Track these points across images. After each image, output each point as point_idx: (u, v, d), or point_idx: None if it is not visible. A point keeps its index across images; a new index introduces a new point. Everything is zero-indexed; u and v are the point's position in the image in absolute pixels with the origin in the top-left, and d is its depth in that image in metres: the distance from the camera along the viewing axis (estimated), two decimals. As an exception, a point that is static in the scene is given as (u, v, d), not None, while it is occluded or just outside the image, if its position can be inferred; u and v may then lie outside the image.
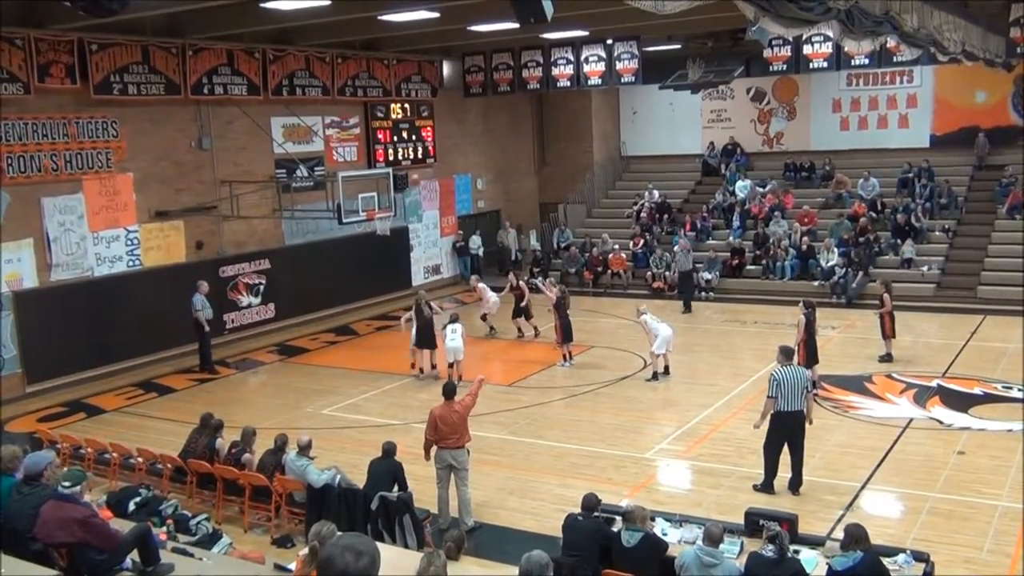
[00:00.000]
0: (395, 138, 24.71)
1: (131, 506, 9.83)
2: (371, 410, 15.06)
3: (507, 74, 24.60)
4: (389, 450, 10.06)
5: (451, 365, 16.23)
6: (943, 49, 15.84)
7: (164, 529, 8.76)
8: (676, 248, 23.58)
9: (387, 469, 9.84)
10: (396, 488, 9.70)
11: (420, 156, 25.54)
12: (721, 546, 7.57)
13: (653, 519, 8.46)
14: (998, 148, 25.29)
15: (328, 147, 22.86)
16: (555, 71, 23.67)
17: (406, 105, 24.89)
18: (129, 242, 18.55)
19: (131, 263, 18.60)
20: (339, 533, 5.24)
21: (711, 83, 23.96)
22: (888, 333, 16.89)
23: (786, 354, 11.26)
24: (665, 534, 8.20)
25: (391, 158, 24.37)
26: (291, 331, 21.00)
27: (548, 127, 30.54)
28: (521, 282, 20.22)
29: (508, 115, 29.04)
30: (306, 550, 6.14)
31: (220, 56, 19.36)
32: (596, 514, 8.46)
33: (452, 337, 16.24)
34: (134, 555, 7.23)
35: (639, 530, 7.88)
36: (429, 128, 25.79)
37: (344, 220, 18.86)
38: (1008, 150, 25.15)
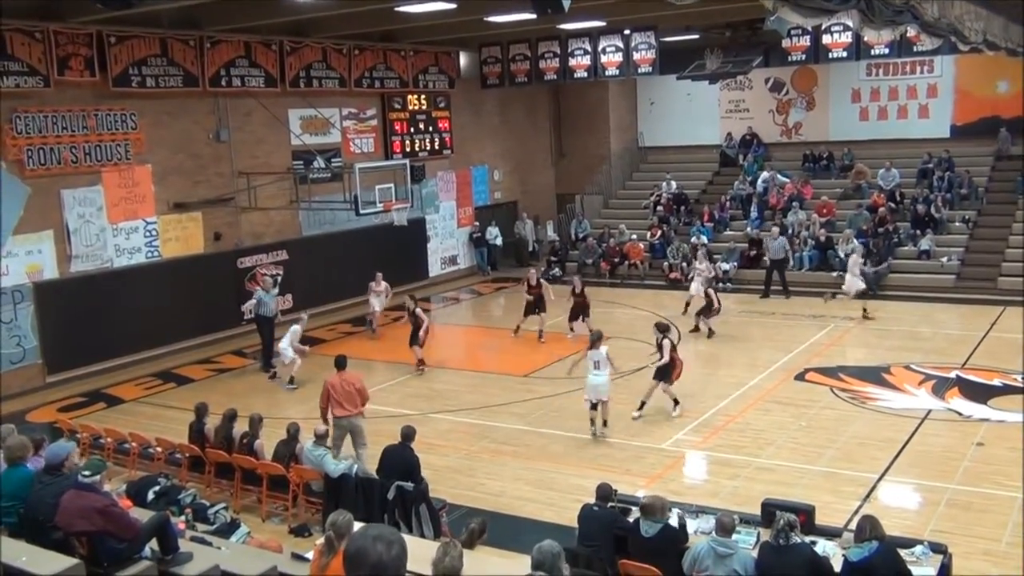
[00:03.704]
0: (412, 129, 24.73)
1: (150, 495, 9.91)
2: (388, 400, 15.11)
3: (524, 65, 24.56)
4: (408, 434, 10.06)
5: (593, 406, 12.98)
6: (964, 39, 15.69)
7: (183, 518, 8.82)
8: (768, 238, 23.22)
9: (401, 459, 9.85)
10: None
11: (437, 147, 25.56)
12: (735, 536, 7.56)
13: (670, 509, 8.45)
14: (1020, 139, 25.03)
15: (345, 138, 22.91)
16: (572, 62, 23.60)
17: (423, 96, 24.91)
18: (148, 234, 18.68)
19: (150, 254, 18.72)
20: (359, 524, 5.26)
21: (729, 73, 23.85)
22: None
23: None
24: (682, 525, 8.19)
25: (408, 149, 24.41)
26: (308, 322, 21.05)
27: (565, 118, 30.48)
28: (543, 280, 19.62)
29: (525, 106, 29.00)
30: (323, 539, 6.18)
31: (238, 48, 19.44)
32: (611, 504, 8.47)
33: (596, 372, 12.84)
34: (153, 544, 7.29)
35: (659, 521, 7.87)
36: (446, 119, 25.80)
37: (361, 211, 18.90)
38: (1030, 141, 24.92)
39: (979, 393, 14.28)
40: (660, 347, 13.65)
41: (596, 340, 13.03)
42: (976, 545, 9.31)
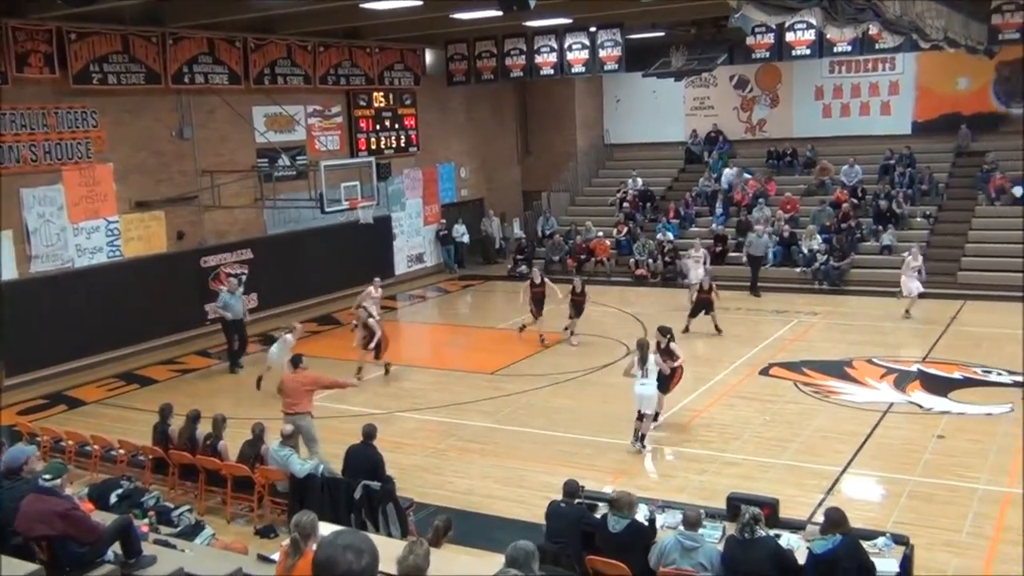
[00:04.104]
0: (377, 127, 24.61)
1: (113, 498, 9.79)
2: (354, 399, 15.04)
3: (490, 62, 24.52)
4: (369, 433, 10.03)
5: (640, 417, 12.30)
6: (925, 36, 15.89)
7: (146, 521, 8.73)
8: (752, 235, 23.21)
9: (365, 457, 9.82)
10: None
11: (403, 145, 25.46)
12: (701, 530, 7.62)
13: (637, 505, 8.49)
14: (979, 135, 25.42)
15: (310, 136, 22.76)
16: (538, 59, 23.61)
17: (389, 94, 24.79)
18: (109, 233, 18.44)
19: (111, 254, 18.49)
20: (336, 529, 5.22)
21: (694, 71, 23.95)
22: None
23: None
24: (650, 520, 8.23)
25: (374, 147, 24.29)
26: (273, 321, 20.90)
27: (531, 115, 30.50)
28: (546, 278, 18.86)
29: (491, 103, 28.98)
30: (288, 541, 6.14)
31: (201, 45, 19.23)
32: (578, 500, 8.49)
33: (643, 382, 12.18)
34: (116, 547, 7.21)
35: (626, 516, 7.91)
36: (412, 117, 25.70)
37: (327, 209, 18.81)
38: (989, 137, 25.31)
39: (940, 386, 14.49)
40: (669, 353, 12.90)
41: (645, 348, 12.34)
42: (938, 536, 9.45)
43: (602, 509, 8.35)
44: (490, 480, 11.62)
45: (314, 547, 5.49)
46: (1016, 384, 14.38)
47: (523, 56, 23.82)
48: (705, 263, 20.70)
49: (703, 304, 18.32)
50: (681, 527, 7.69)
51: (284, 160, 21.26)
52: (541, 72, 23.83)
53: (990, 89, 25.45)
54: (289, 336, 15.28)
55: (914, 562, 7.92)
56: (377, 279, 18.28)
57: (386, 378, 16.45)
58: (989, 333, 17.79)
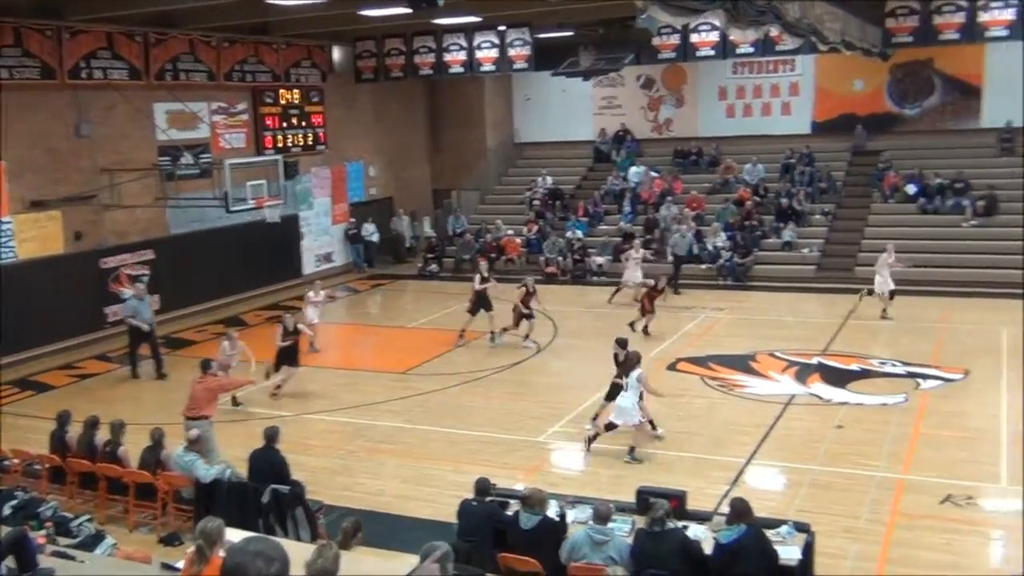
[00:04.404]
0: (284, 124, 24.20)
1: (6, 510, 9.37)
2: (261, 402, 14.77)
3: (399, 60, 24.41)
4: (271, 435, 9.84)
5: (609, 427, 12.02)
6: (823, 39, 16.39)
7: (43, 532, 8.39)
8: (677, 234, 23.46)
9: (268, 461, 9.65)
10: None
11: (310, 143, 25.10)
12: (611, 524, 7.72)
13: (548, 501, 8.55)
14: (875, 135, 26.36)
15: (214, 133, 22.25)
16: (448, 57, 23.58)
17: (295, 91, 24.41)
18: (2, 234, 17.71)
19: (5, 255, 17.75)
20: (246, 535, 5.11)
21: (602, 70, 24.23)
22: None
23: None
24: (561, 516, 8.30)
25: (280, 145, 23.88)
26: (177, 323, 20.40)
27: (441, 113, 30.41)
28: (490, 278, 18.38)
29: (400, 101, 28.77)
30: (193, 548, 5.99)
31: (99, 39, 18.62)
32: (490, 498, 8.51)
33: (624, 395, 11.84)
34: (10, 561, 6.92)
35: (537, 513, 7.96)
36: (320, 114, 25.34)
37: (232, 208, 18.43)
38: (884, 136, 26.27)
39: (838, 378, 14.98)
40: (623, 365, 12.49)
41: (634, 361, 12.09)
42: (837, 523, 9.76)
43: (514, 506, 8.39)
44: (401, 480, 11.56)
45: (221, 554, 5.38)
46: (910, 375, 14.97)
47: (432, 54, 23.77)
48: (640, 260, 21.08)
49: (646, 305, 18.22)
50: (591, 522, 7.77)
51: (187, 158, 20.74)
52: (450, 70, 23.81)
53: (885, 90, 26.41)
54: (226, 343, 14.52)
55: (815, 548, 8.16)
56: (318, 282, 18.06)
57: (296, 379, 16.12)
58: (885, 326, 18.47)
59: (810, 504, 10.27)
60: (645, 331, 17.93)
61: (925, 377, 14.82)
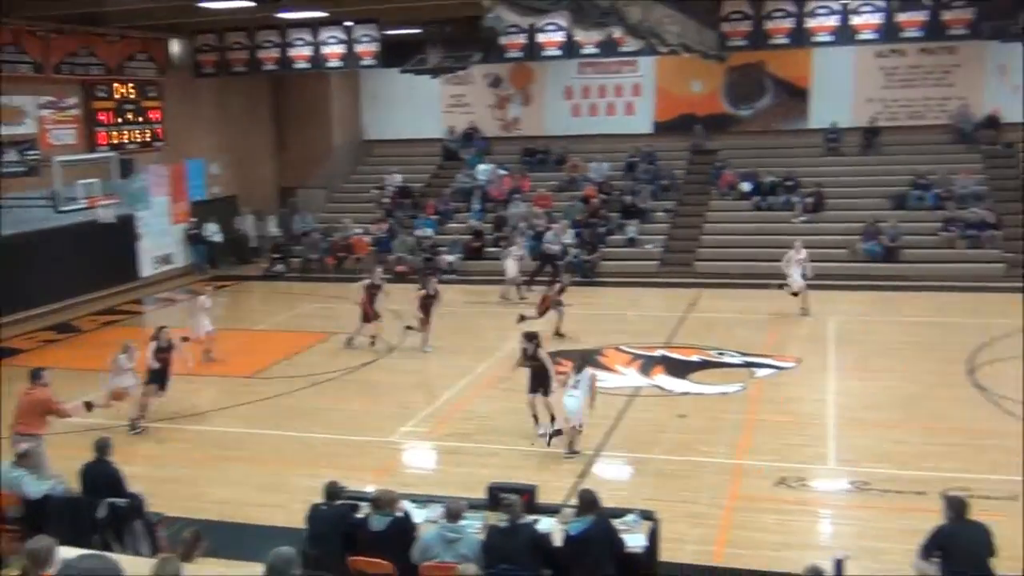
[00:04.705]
0: (119, 120, 23.10)
1: None
2: (97, 412, 14.04)
3: (242, 54, 23.81)
4: (102, 447, 9.35)
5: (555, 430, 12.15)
6: (663, 41, 16.98)
7: None
8: (549, 233, 23.65)
9: (101, 474, 9.21)
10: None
11: (148, 139, 24.07)
12: (463, 521, 7.76)
13: (399, 502, 8.51)
14: (712, 134, 27.47)
15: (42, 129, 21.00)
16: (293, 52, 23.18)
17: (131, 85, 23.35)
18: None
19: None
20: (80, 552, 4.85)
21: (450, 68, 24.35)
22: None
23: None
24: (406, 514, 8.26)
25: (115, 142, 22.77)
26: (4, 331, 19.20)
27: (287, 110, 29.74)
28: (383, 280, 17.77)
29: (244, 97, 27.96)
30: (18, 570, 5.66)
31: (-93, 26, 17.32)
32: (340, 501, 8.40)
33: (571, 394, 11.80)
34: None
35: (388, 514, 7.91)
36: (157, 110, 24.33)
37: (62, 208, 17.53)
38: (721, 136, 27.43)
39: (680, 369, 15.55)
40: (535, 358, 12.51)
41: (586, 360, 12.16)
42: (680, 509, 10.13)
43: (366, 508, 8.31)
44: (248, 487, 11.27)
45: (52, 573, 5.11)
46: (746, 364, 15.70)
47: (277, 49, 23.29)
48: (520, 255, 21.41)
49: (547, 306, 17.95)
50: (443, 520, 7.78)
51: (12, 155, 19.53)
52: (295, 65, 23.38)
53: (721, 92, 27.56)
54: (122, 356, 13.48)
55: (659, 535, 8.44)
56: (207, 288, 17.32)
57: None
58: (723, 318, 19.30)
59: (655, 492, 10.61)
60: (558, 333, 17.52)
61: (760, 366, 15.58)
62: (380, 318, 17.38)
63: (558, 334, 17.41)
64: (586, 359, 12.43)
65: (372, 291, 17.29)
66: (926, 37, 21.32)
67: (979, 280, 21.30)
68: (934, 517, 7.49)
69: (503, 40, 22.67)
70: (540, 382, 12.42)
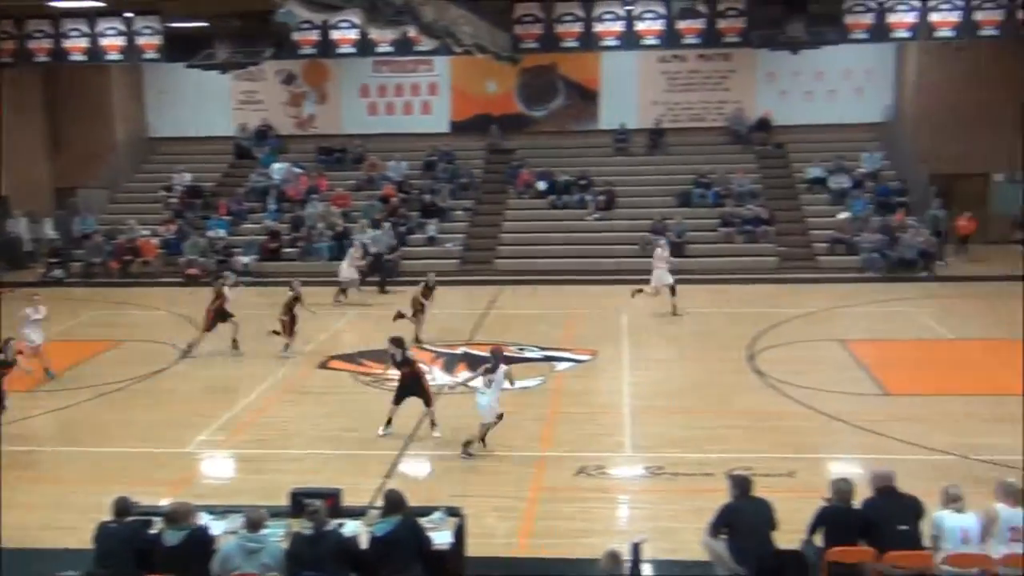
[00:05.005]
0: None
1: None
2: None
3: (9, 44, 22.18)
4: None
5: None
6: (458, 41, 17.15)
7: None
8: (379, 231, 23.34)
9: None
10: None
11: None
12: (265, 531, 7.55)
13: (196, 514, 8.17)
14: (508, 134, 28.01)
15: None
16: (67, 43, 21.82)
17: None
18: None
19: None
20: None
21: (240, 64, 23.56)
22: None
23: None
24: (202, 527, 7.96)
25: None
26: None
27: (62, 105, 27.86)
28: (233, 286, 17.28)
29: (12, 90, 25.90)
30: None
31: None
32: (132, 518, 7.97)
33: (483, 391, 11.69)
34: None
35: (183, 528, 7.58)
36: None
37: None
38: (517, 136, 28.03)
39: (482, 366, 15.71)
40: (403, 364, 12.31)
41: (496, 361, 11.74)
42: (487, 503, 10.26)
43: (160, 524, 7.92)
44: (36, 509, 10.45)
45: None
46: (546, 359, 16.12)
47: (50, 39, 21.81)
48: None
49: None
50: (243, 530, 7.54)
51: None
52: (71, 57, 22.03)
53: (515, 93, 28.15)
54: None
55: (467, 530, 8.53)
56: (37, 297, 15.79)
57: None
58: (522, 314, 19.74)
59: (462, 488, 10.68)
60: (417, 340, 17.19)
61: (559, 360, 16.06)
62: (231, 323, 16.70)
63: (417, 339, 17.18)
64: (498, 357, 12.03)
65: (221, 299, 16.64)
66: (703, 44, 22.72)
67: (755, 272, 22.86)
68: (721, 496, 7.97)
69: (296, 36, 22.23)
70: (411, 390, 12.25)
